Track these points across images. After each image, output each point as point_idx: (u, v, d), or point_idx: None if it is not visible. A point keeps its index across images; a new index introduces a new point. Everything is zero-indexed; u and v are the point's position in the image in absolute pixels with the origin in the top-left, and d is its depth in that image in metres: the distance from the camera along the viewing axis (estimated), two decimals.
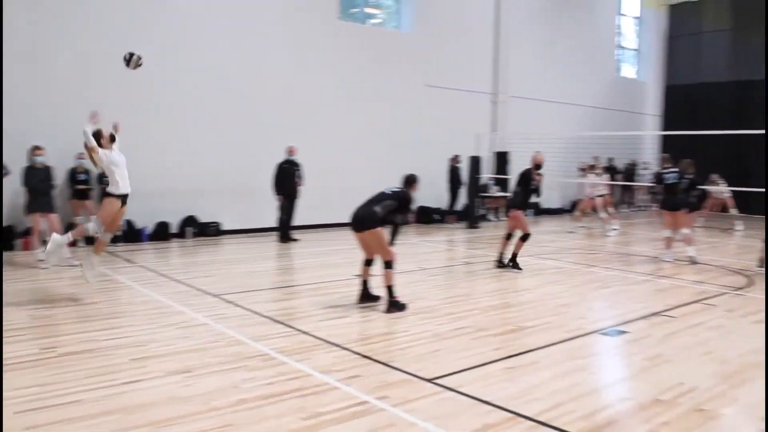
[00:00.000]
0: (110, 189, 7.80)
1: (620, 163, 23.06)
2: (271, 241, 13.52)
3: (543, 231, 16.90)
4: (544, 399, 4.82)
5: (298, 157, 13.55)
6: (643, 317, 7.52)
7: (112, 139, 7.85)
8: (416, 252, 12.14)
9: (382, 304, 7.62)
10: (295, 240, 13.56)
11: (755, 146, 21.70)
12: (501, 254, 10.76)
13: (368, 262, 7.76)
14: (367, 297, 7.84)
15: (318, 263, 11.02)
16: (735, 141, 22.57)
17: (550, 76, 21.50)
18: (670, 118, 25.24)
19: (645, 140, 25.39)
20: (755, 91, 23.48)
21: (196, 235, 13.88)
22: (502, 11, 19.94)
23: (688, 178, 11.72)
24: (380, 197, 7.63)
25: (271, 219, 13.87)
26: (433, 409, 4.59)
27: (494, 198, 19.33)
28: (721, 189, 17.32)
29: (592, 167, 17.51)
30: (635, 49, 26.46)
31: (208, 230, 14.06)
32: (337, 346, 6.07)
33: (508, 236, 10.74)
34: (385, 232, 7.55)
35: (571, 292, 8.96)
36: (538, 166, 10.62)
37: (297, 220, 13.95)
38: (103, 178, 9.00)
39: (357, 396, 4.81)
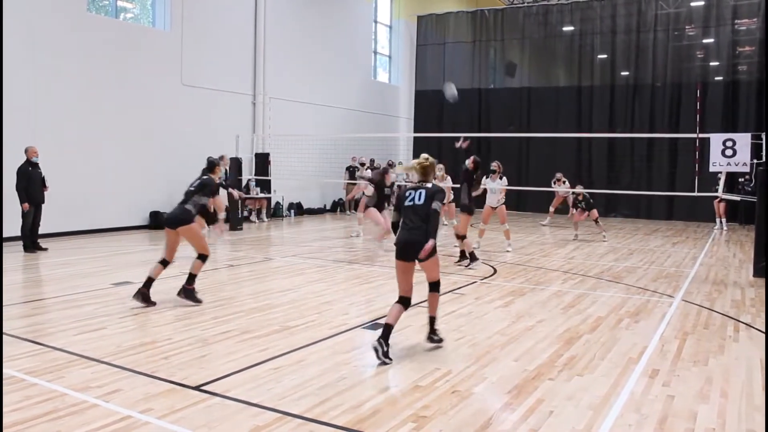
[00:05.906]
0: None
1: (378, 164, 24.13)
2: (16, 251, 12.32)
3: (304, 230, 17.18)
4: (312, 395, 4.92)
5: (39, 160, 12.47)
6: None
7: None
8: (176, 256, 11.70)
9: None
10: (43, 249, 12.48)
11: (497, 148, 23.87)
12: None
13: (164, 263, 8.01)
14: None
15: (69, 273, 10.25)
16: (476, 142, 24.70)
17: (309, 79, 21.87)
18: (420, 121, 26.88)
19: (399, 141, 26.79)
20: (492, 97, 25.92)
21: None
22: (261, 14, 19.89)
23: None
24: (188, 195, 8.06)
25: (15, 227, 12.62)
26: (200, 417, 4.48)
27: (256, 199, 19.28)
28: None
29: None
30: (388, 56, 27.79)
31: None
32: (95, 360, 5.70)
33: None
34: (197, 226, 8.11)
35: (334, 290, 9.22)
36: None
37: (43, 227, 12.86)
38: None
39: (119, 411, 4.55)
